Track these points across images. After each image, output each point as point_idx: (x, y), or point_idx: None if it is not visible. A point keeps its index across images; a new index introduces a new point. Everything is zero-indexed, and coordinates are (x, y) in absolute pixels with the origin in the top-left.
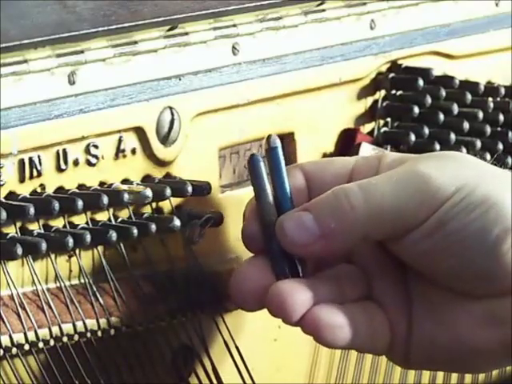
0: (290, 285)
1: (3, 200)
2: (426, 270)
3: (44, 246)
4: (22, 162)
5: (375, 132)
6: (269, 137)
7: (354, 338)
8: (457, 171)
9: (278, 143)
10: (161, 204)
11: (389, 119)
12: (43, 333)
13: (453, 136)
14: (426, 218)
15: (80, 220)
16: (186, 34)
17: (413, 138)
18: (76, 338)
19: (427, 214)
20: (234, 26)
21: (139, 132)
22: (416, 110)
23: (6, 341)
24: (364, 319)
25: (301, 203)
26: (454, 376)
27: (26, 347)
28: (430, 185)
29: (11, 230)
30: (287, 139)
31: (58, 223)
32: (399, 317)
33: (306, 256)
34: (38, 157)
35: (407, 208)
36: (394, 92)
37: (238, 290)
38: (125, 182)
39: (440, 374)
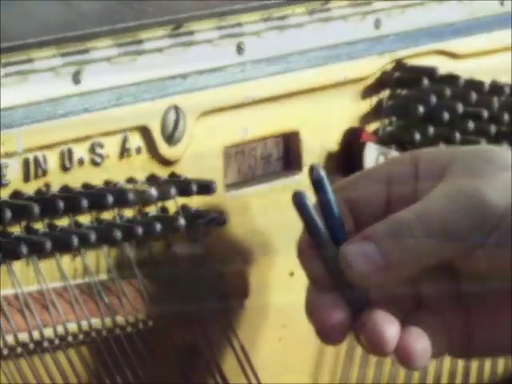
0: (382, 317)
1: (8, 199)
2: (487, 277)
3: (49, 245)
4: (26, 161)
5: (380, 131)
6: (312, 168)
7: (432, 355)
8: (505, 183)
9: (323, 174)
10: (166, 203)
11: (394, 118)
12: (48, 332)
13: (458, 135)
14: (487, 237)
15: (85, 219)
16: (191, 33)
17: (418, 137)
18: (81, 337)
19: (487, 233)
20: (240, 25)
21: (144, 131)
22: (421, 109)
23: (10, 340)
24: (431, 332)
25: (347, 227)
26: (459, 374)
27: (31, 346)
28: (485, 205)
29: (16, 230)
30: (292, 138)
31: (63, 222)
32: (454, 317)
33: (369, 287)
34: (43, 156)
35: (467, 230)
36: (398, 91)
37: (324, 329)
38: (130, 181)
39: (444, 374)
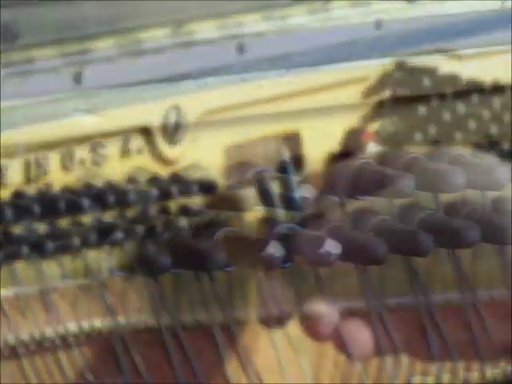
0: (323, 304)
1: (9, 199)
2: None
3: (50, 245)
4: (27, 162)
5: (381, 131)
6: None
7: (376, 348)
8: None
9: (288, 161)
10: (167, 203)
11: (395, 118)
12: (49, 332)
13: (458, 135)
14: None
15: (86, 219)
16: (192, 33)
17: (419, 137)
18: (82, 337)
19: None
20: (240, 25)
21: (145, 131)
22: (422, 109)
23: (12, 340)
24: (377, 327)
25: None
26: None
27: (32, 347)
28: None
29: (17, 230)
30: (293, 138)
31: (64, 223)
32: (410, 318)
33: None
34: (44, 156)
35: None
36: (399, 91)
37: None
38: (131, 181)
39: (445, 377)
